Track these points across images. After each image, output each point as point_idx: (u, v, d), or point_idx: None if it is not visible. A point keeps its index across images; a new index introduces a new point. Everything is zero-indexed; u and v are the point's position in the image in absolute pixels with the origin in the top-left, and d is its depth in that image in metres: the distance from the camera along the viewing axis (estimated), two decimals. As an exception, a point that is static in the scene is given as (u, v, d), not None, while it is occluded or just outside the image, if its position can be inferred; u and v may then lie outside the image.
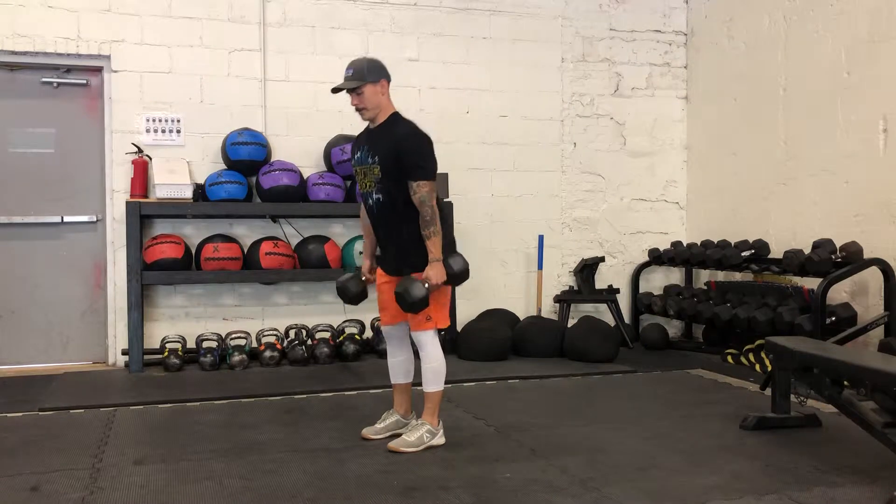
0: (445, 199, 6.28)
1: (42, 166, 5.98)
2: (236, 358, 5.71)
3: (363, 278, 3.98)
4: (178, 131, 6.11)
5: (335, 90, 3.76)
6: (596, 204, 7.18)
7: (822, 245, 5.46)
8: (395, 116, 3.75)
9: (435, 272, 3.60)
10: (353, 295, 3.97)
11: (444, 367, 3.78)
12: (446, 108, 6.73)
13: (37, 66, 5.92)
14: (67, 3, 5.84)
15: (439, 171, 6.43)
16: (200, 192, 5.92)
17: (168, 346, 5.75)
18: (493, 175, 6.87)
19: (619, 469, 3.44)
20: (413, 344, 3.91)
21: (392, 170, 3.63)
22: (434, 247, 3.61)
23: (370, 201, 3.76)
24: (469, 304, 6.57)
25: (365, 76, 3.63)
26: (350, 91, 3.68)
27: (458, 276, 3.71)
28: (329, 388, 5.03)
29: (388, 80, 3.74)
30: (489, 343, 6.02)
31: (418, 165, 3.61)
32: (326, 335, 6.06)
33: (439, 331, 3.79)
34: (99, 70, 6.05)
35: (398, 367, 3.92)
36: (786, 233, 6.18)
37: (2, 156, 5.91)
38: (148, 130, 6.04)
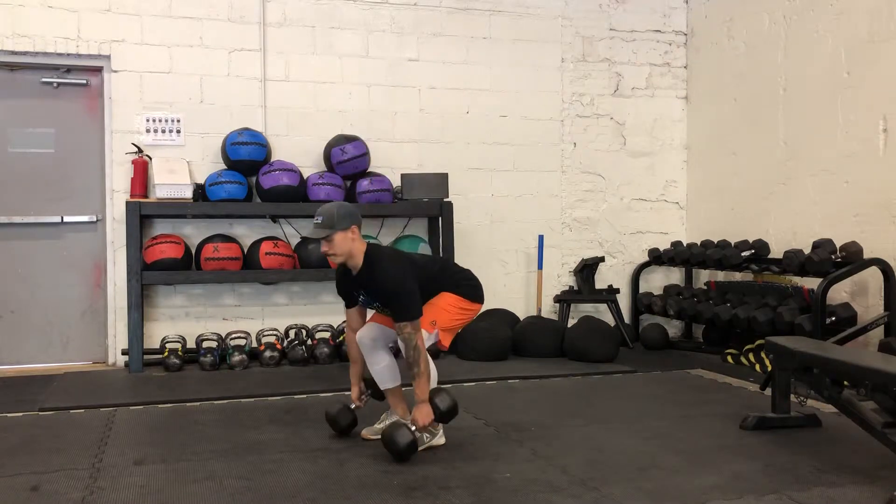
0: (445, 199, 6.29)
1: (42, 166, 5.99)
2: (236, 358, 5.71)
3: (353, 407, 3.96)
4: (178, 131, 6.11)
5: (305, 239, 3.80)
6: (596, 204, 7.18)
7: (822, 245, 5.46)
8: (369, 258, 3.71)
9: (421, 414, 3.59)
10: (342, 427, 3.93)
11: (433, 369, 3.77)
12: (446, 108, 6.74)
13: (37, 66, 5.92)
14: (67, 3, 5.84)
15: (440, 171, 6.55)
16: (200, 192, 5.92)
17: (168, 346, 5.75)
18: (493, 175, 6.88)
19: (619, 469, 3.44)
20: (394, 347, 3.89)
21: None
22: (419, 388, 3.60)
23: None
24: (469, 304, 6.57)
25: (335, 224, 3.61)
26: (320, 238, 3.67)
27: (445, 414, 3.66)
28: (329, 388, 5.03)
29: (359, 225, 3.72)
30: (489, 343, 6.02)
31: (399, 309, 3.61)
32: (326, 335, 6.06)
33: (439, 351, 3.80)
34: (99, 70, 6.05)
35: (383, 373, 3.89)
36: (786, 233, 6.18)
37: (2, 156, 5.91)
38: (148, 130, 6.04)
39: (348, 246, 3.66)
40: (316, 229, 3.65)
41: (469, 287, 3.91)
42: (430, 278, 3.80)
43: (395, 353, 3.88)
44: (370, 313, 3.96)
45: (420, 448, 3.66)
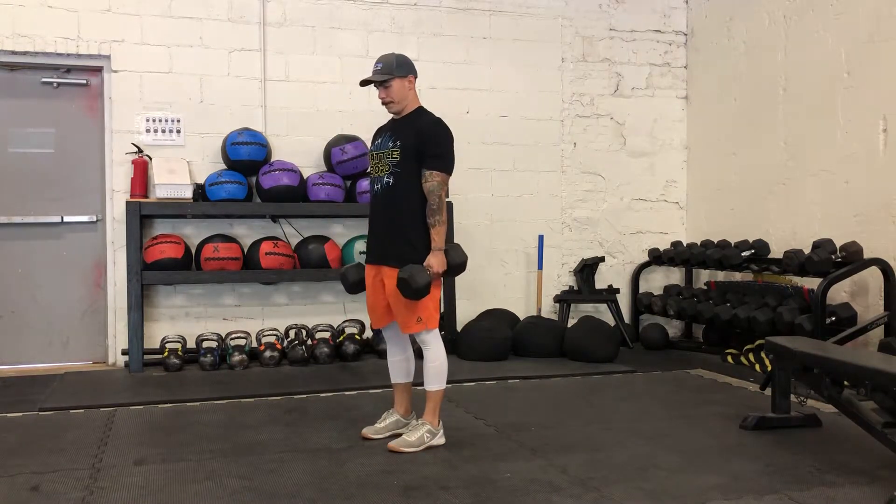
0: (446, 200, 6.28)
1: (42, 166, 5.98)
2: (236, 358, 5.71)
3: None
4: (178, 131, 6.11)
5: (364, 83, 3.84)
6: (596, 204, 7.18)
7: (822, 245, 5.46)
8: (422, 109, 3.85)
9: (437, 260, 3.65)
10: (351, 282, 3.97)
11: (445, 367, 3.78)
12: (446, 108, 6.65)
13: (37, 66, 5.92)
14: (67, 3, 5.84)
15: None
16: (200, 192, 5.92)
17: (168, 346, 5.75)
18: (493, 175, 6.88)
19: (619, 469, 3.44)
20: (413, 343, 3.91)
21: (410, 155, 3.69)
22: (438, 236, 3.66)
23: (377, 186, 3.80)
24: (469, 304, 6.58)
25: (393, 70, 3.72)
26: (378, 84, 3.75)
27: (456, 267, 3.78)
28: (329, 388, 5.03)
29: (416, 75, 3.82)
30: (489, 343, 6.02)
31: (436, 155, 3.67)
32: (326, 335, 6.06)
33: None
34: (99, 70, 6.05)
35: (398, 366, 3.92)
36: (786, 233, 6.18)
37: (2, 156, 5.91)
38: (148, 130, 6.04)
39: (404, 93, 3.77)
40: (376, 73, 3.73)
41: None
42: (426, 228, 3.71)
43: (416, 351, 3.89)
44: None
45: (420, 448, 3.67)
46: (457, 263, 3.77)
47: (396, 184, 3.70)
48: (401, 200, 3.70)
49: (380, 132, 3.95)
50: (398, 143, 3.73)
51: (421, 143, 3.68)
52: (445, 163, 3.70)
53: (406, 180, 3.68)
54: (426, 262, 3.64)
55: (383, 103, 3.81)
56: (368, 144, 6.20)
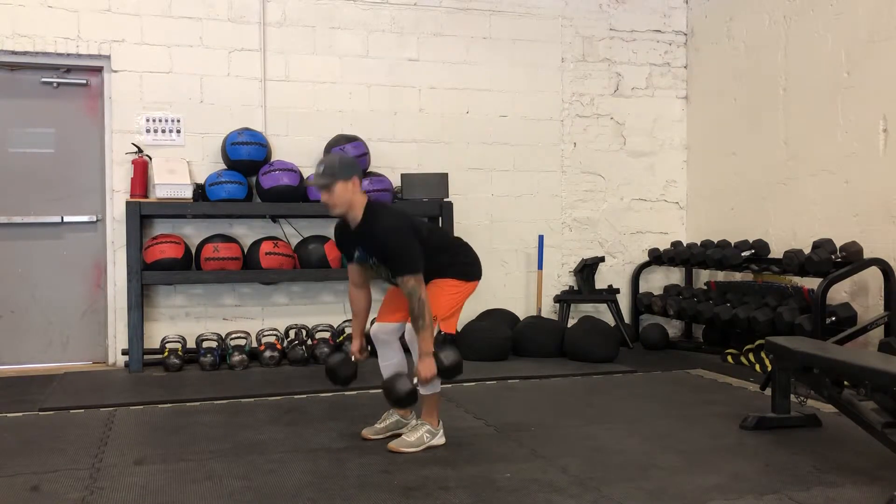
0: (445, 199, 6.29)
1: (42, 166, 5.98)
2: (236, 358, 5.71)
3: (353, 359, 3.92)
4: (178, 131, 6.11)
5: (304, 190, 3.75)
6: (596, 204, 7.18)
7: (822, 245, 5.45)
8: (369, 209, 3.69)
9: (424, 367, 3.56)
10: (343, 378, 3.88)
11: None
12: (446, 108, 6.74)
13: (37, 66, 5.92)
14: (67, 3, 5.84)
15: (440, 171, 6.53)
16: (200, 192, 5.92)
17: (168, 346, 5.75)
18: (493, 175, 6.88)
19: (619, 469, 3.44)
20: (405, 345, 3.88)
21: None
22: (423, 341, 3.56)
23: (392, 281, 3.78)
24: (469, 304, 6.49)
25: (336, 173, 3.59)
26: (320, 188, 3.63)
27: (449, 370, 3.61)
28: (329, 389, 5.01)
29: (360, 176, 3.70)
30: (489, 343, 6.02)
31: (401, 262, 3.58)
32: (326, 335, 6.06)
33: (448, 336, 3.77)
34: (99, 70, 6.05)
35: (391, 369, 3.89)
36: (786, 233, 6.18)
37: (2, 156, 5.91)
38: (148, 130, 6.04)
39: (348, 197, 3.62)
40: (317, 178, 3.61)
41: (464, 266, 3.85)
42: (428, 254, 3.70)
43: (406, 350, 3.87)
44: (379, 312, 3.93)
45: (420, 448, 3.67)
46: (446, 367, 3.59)
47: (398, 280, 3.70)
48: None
49: (346, 240, 3.82)
50: (375, 259, 3.70)
51: (385, 252, 3.63)
52: (411, 264, 3.57)
53: None
54: (414, 369, 3.59)
55: (326, 206, 3.67)
56: (369, 144, 6.28)
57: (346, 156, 3.72)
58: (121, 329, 5.92)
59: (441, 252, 3.80)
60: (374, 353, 3.99)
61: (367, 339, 3.97)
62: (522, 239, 6.96)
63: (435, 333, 3.72)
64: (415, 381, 3.56)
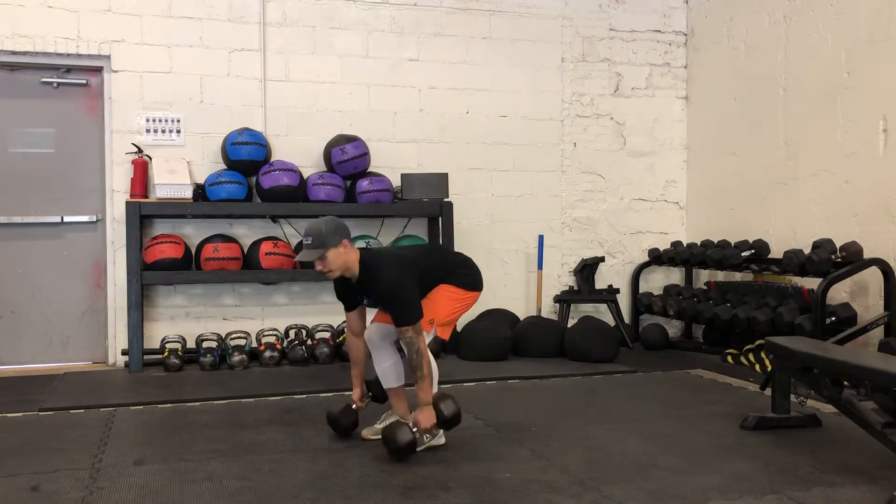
0: (445, 200, 6.29)
1: (42, 166, 5.98)
2: (236, 358, 5.71)
3: (354, 407, 3.94)
4: (178, 131, 6.11)
5: (300, 262, 3.76)
6: (596, 204, 7.18)
7: (822, 245, 5.46)
8: (365, 265, 3.70)
9: (424, 416, 3.58)
10: (344, 428, 3.92)
11: (435, 370, 3.76)
12: (446, 108, 6.74)
13: (37, 66, 5.92)
14: (67, 3, 5.84)
15: (440, 171, 6.53)
16: (200, 192, 5.92)
17: (168, 346, 5.75)
18: (493, 175, 6.88)
19: (619, 469, 3.44)
20: (398, 346, 3.88)
21: None
22: (422, 392, 3.58)
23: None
24: (469, 304, 6.56)
25: (326, 242, 3.59)
26: (314, 260, 3.64)
27: (448, 421, 3.63)
28: (329, 388, 5.03)
29: (349, 237, 3.70)
30: (489, 343, 6.02)
31: (399, 314, 3.59)
32: (326, 335, 6.06)
33: (442, 341, 3.79)
34: (99, 70, 6.05)
35: (388, 371, 3.89)
36: (786, 233, 6.18)
37: (2, 156, 5.91)
38: (148, 130, 6.04)
39: (342, 260, 3.65)
40: (308, 251, 3.62)
41: (465, 276, 3.90)
42: (426, 272, 3.77)
43: (401, 350, 3.87)
44: (372, 313, 3.95)
45: (420, 448, 3.67)
46: (447, 418, 3.60)
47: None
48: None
49: (352, 293, 3.83)
50: (381, 306, 3.80)
51: (384, 304, 3.71)
52: (409, 315, 3.59)
53: None
54: (413, 418, 3.60)
55: (323, 274, 3.69)
56: (369, 144, 6.28)
57: (330, 218, 3.71)
58: (121, 329, 5.92)
59: (444, 266, 3.87)
60: (374, 399, 4.01)
61: (368, 386, 3.99)
62: (522, 239, 6.96)
63: (430, 339, 3.74)
64: (414, 430, 3.56)
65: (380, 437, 3.83)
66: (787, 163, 6.20)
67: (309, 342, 5.98)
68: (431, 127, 6.68)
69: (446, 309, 3.79)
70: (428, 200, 6.24)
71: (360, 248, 3.78)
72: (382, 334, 3.86)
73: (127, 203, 5.75)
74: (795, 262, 5.51)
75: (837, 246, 5.43)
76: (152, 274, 5.73)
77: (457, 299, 3.84)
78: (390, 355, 3.88)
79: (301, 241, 6.11)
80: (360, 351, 3.95)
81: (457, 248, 6.24)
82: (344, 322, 6.13)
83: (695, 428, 4.11)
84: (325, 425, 4.10)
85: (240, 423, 4.25)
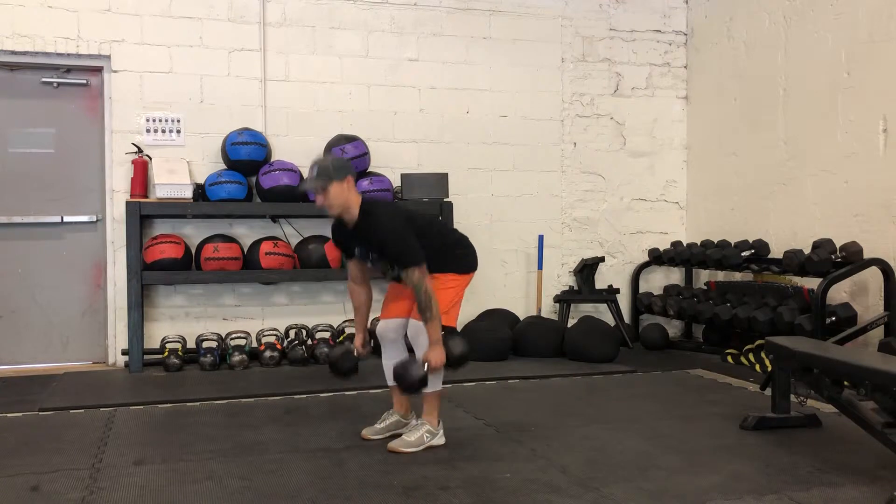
0: (445, 199, 6.29)
1: (42, 166, 5.98)
2: (236, 358, 5.71)
3: (356, 353, 3.93)
4: (178, 131, 6.11)
5: (302, 192, 3.73)
6: (596, 204, 7.18)
7: (822, 245, 5.46)
8: (364, 209, 3.69)
9: (435, 354, 3.58)
10: (345, 371, 3.92)
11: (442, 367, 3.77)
12: (446, 108, 6.74)
13: (37, 66, 5.92)
14: (67, 3, 5.84)
15: (440, 171, 6.53)
16: (200, 192, 5.92)
17: (168, 346, 5.75)
18: (493, 175, 6.88)
19: (619, 469, 3.44)
20: (408, 345, 3.89)
21: (389, 257, 3.67)
22: (432, 330, 3.57)
23: (397, 279, 3.77)
24: (469, 304, 6.51)
25: (331, 175, 3.58)
26: (316, 192, 3.63)
27: (458, 359, 3.66)
28: (329, 388, 5.03)
29: (354, 176, 3.70)
30: (489, 343, 6.02)
31: (403, 257, 3.59)
32: (326, 335, 6.06)
33: (450, 328, 3.78)
34: (99, 70, 6.05)
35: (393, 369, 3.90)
36: (786, 233, 6.18)
37: (2, 156, 5.91)
38: (148, 130, 6.04)
39: (344, 197, 3.63)
40: (311, 182, 3.61)
41: (461, 258, 3.86)
42: (426, 245, 3.69)
43: (411, 350, 3.87)
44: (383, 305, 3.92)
45: (420, 448, 3.67)
46: (457, 356, 3.64)
47: (402, 274, 3.68)
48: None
49: (345, 238, 3.82)
50: (376, 255, 3.72)
51: (385, 249, 3.64)
52: (412, 257, 3.58)
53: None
54: (424, 356, 3.60)
55: (323, 207, 3.67)
56: (369, 144, 6.28)
57: (339, 157, 3.71)
58: (121, 329, 5.92)
59: (439, 245, 3.81)
60: (376, 350, 3.99)
61: (370, 334, 3.98)
62: (522, 239, 6.96)
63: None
64: (425, 367, 3.56)
65: (381, 437, 3.85)
66: (787, 163, 6.20)
67: (309, 342, 5.98)
68: (431, 127, 6.68)
69: (446, 297, 3.75)
70: (428, 200, 6.24)
71: (361, 194, 3.75)
72: (393, 328, 3.86)
73: (127, 203, 5.75)
74: (795, 262, 5.51)
75: (837, 246, 5.43)
76: (152, 274, 5.73)
77: (454, 285, 3.81)
78: (399, 353, 3.89)
79: (301, 240, 6.17)
80: (360, 297, 3.94)
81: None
82: (344, 322, 6.16)
83: (695, 428, 4.11)
84: (325, 425, 4.11)
85: (240, 423, 4.25)
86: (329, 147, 6.19)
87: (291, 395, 4.89)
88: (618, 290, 6.93)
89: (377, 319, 3.98)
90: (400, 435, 3.78)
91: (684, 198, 7.42)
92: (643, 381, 5.39)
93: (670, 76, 7.37)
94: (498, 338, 6.08)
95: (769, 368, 4.23)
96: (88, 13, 5.89)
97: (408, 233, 3.63)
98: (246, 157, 5.95)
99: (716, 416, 4.33)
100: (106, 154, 6.05)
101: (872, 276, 5.37)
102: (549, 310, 6.93)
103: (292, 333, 6.10)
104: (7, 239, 5.91)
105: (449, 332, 3.67)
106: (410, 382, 3.55)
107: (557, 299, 6.85)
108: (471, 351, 3.70)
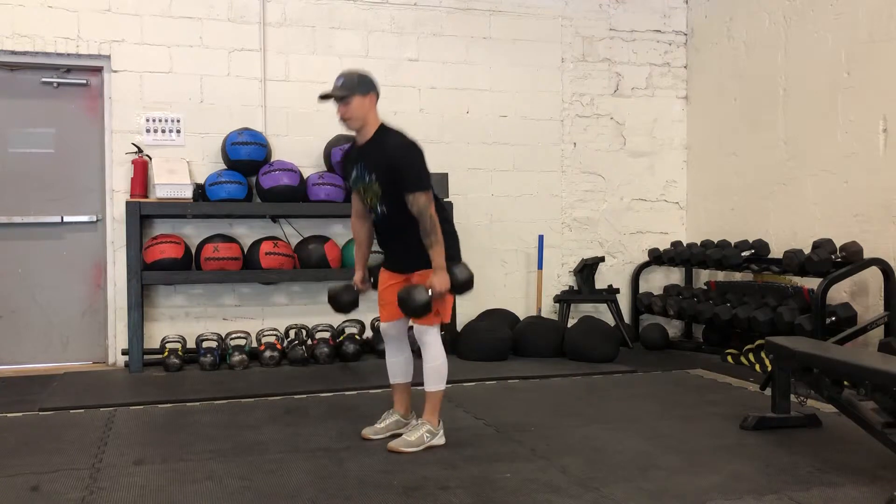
0: (445, 199, 6.29)
1: (42, 166, 5.98)
2: (236, 358, 5.71)
3: (356, 288, 3.96)
4: (178, 131, 6.11)
5: (323, 97, 3.71)
6: (596, 204, 7.18)
7: (822, 245, 5.46)
8: (383, 129, 3.72)
9: (439, 280, 3.59)
10: (344, 304, 3.95)
11: (446, 367, 3.78)
12: (446, 108, 6.73)
13: (37, 66, 5.92)
14: (67, 3, 5.84)
15: (440, 171, 6.53)
16: (200, 192, 5.92)
17: (168, 346, 5.75)
18: (493, 175, 6.88)
19: (619, 469, 3.44)
20: (413, 343, 3.90)
21: (391, 183, 3.62)
22: (436, 255, 3.59)
23: (374, 215, 3.77)
24: (469, 304, 6.56)
25: (355, 87, 3.62)
26: (338, 100, 3.64)
27: (462, 285, 3.69)
28: (329, 388, 5.03)
29: (378, 95, 3.72)
30: (489, 343, 6.02)
31: (412, 178, 3.59)
32: (326, 335, 6.06)
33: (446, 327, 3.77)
34: (99, 70, 6.05)
35: (397, 367, 3.92)
36: (786, 233, 6.18)
37: (2, 156, 5.91)
38: (148, 130, 6.04)
39: (364, 112, 3.65)
40: (335, 90, 3.62)
41: (450, 258, 3.78)
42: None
43: (415, 350, 3.87)
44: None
45: (420, 448, 3.67)
46: (461, 282, 3.66)
47: (392, 212, 3.67)
48: (404, 226, 3.65)
49: (350, 161, 3.83)
50: (374, 175, 3.66)
51: (395, 169, 3.60)
52: (423, 181, 3.61)
53: (399, 205, 3.63)
54: (428, 281, 3.60)
55: (341, 119, 3.69)
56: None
57: (366, 73, 3.72)
58: (121, 329, 5.92)
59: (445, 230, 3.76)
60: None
61: (370, 271, 3.97)
62: (522, 239, 6.96)
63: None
64: (429, 292, 3.57)
65: (381, 437, 3.85)
66: (787, 163, 6.20)
67: (309, 342, 5.98)
68: (431, 127, 6.68)
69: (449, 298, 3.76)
70: (428, 200, 6.23)
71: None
72: (397, 327, 3.86)
73: (127, 203, 5.75)
74: (795, 262, 5.51)
75: (837, 246, 5.43)
76: (152, 274, 5.73)
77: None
78: (403, 350, 3.90)
79: (301, 240, 6.16)
80: (362, 232, 3.95)
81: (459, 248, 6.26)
82: (344, 322, 6.16)
83: (695, 428, 4.11)
84: (325, 425, 4.11)
85: (240, 423, 4.25)
86: (329, 147, 6.19)
87: (291, 395, 4.89)
88: (618, 290, 6.93)
89: (377, 319, 3.98)
90: (400, 434, 3.78)
91: (684, 198, 7.42)
92: (643, 381, 5.39)
93: (670, 76, 7.37)
94: (498, 338, 6.08)
95: (769, 368, 4.23)
96: (88, 13, 5.90)
97: (422, 157, 3.65)
98: (246, 157, 5.95)
99: (716, 416, 4.33)
100: (106, 154, 6.05)
101: (872, 276, 5.37)
102: (549, 310, 6.93)
103: (292, 333, 6.10)
104: (7, 239, 5.91)
105: (453, 259, 3.68)
106: (415, 305, 3.55)
107: (557, 299, 6.85)
108: (473, 277, 3.71)
